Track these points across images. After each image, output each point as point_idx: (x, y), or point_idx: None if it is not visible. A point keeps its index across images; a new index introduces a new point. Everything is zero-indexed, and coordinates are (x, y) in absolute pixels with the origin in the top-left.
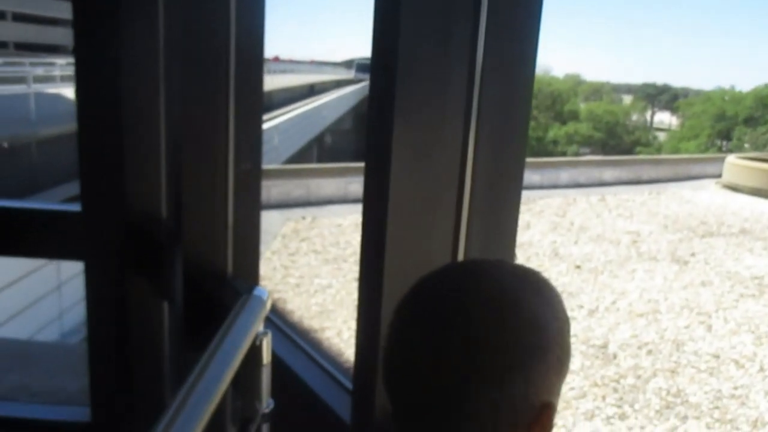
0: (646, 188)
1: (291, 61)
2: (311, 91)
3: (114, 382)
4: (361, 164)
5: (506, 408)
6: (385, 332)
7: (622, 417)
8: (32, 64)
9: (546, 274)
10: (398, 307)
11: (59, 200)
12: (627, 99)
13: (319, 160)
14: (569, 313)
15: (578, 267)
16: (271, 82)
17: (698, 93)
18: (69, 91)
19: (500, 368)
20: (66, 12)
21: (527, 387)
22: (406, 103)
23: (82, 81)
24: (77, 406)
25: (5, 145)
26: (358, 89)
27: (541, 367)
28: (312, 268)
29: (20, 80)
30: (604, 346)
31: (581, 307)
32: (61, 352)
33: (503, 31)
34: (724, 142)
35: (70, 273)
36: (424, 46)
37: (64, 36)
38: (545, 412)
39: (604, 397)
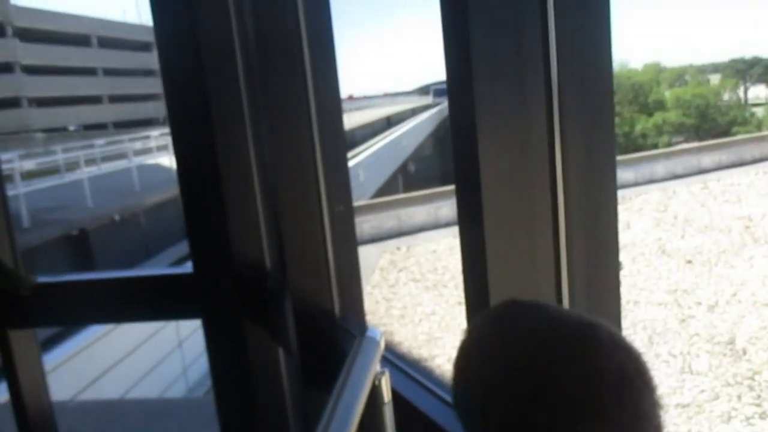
0: (751, 169)
1: (365, 97)
2: (388, 123)
3: (242, 430)
4: (447, 188)
5: None
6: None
7: (764, 416)
8: (131, 140)
9: (656, 273)
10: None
11: (169, 263)
12: (715, 79)
13: (406, 189)
14: (687, 311)
15: (689, 261)
16: (348, 120)
17: None
18: (164, 160)
19: None
20: (155, 87)
21: None
22: (488, 121)
23: (180, 152)
24: None
25: (117, 217)
26: (433, 114)
27: None
28: (413, 297)
29: (121, 156)
30: (731, 342)
31: (699, 303)
32: (192, 406)
33: (574, 32)
34: None
35: (189, 330)
36: (498, 61)
37: (155, 109)
38: None
39: (739, 397)
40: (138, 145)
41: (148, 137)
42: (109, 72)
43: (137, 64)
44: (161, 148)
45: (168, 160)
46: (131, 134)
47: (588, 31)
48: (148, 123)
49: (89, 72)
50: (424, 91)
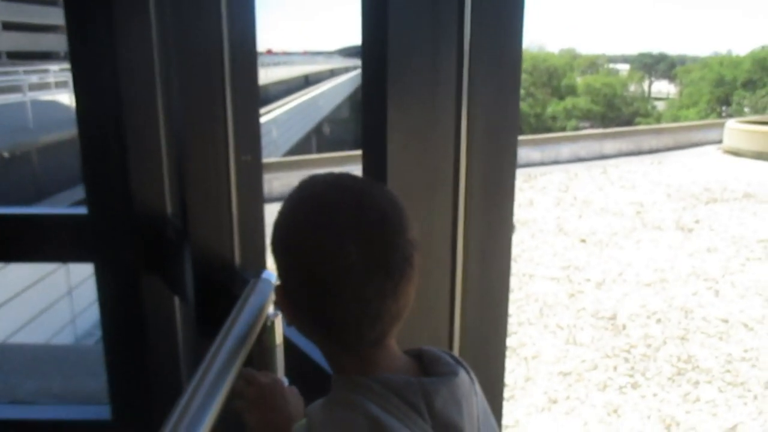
0: (647, 158)
1: (284, 53)
2: (306, 81)
3: (131, 379)
4: (360, 152)
5: None
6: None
7: (635, 386)
8: (26, 72)
9: (552, 249)
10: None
11: (65, 205)
12: (624, 70)
13: (319, 150)
14: (577, 287)
15: (583, 241)
16: (265, 75)
17: (695, 60)
18: (64, 97)
19: None
20: (58, 18)
21: None
22: (399, 88)
23: (80, 86)
24: (97, 404)
25: (5, 154)
26: (353, 77)
27: None
28: None
29: (15, 89)
30: (613, 318)
31: (588, 280)
32: (79, 354)
33: (488, 8)
34: (724, 108)
35: (82, 276)
36: (413, 30)
37: (58, 42)
38: None
39: (615, 368)
40: (34, 78)
41: (46, 71)
42: None
43: None
44: (60, 85)
45: (68, 98)
46: (28, 66)
47: (503, 9)
48: (47, 56)
49: None
50: (345, 52)
